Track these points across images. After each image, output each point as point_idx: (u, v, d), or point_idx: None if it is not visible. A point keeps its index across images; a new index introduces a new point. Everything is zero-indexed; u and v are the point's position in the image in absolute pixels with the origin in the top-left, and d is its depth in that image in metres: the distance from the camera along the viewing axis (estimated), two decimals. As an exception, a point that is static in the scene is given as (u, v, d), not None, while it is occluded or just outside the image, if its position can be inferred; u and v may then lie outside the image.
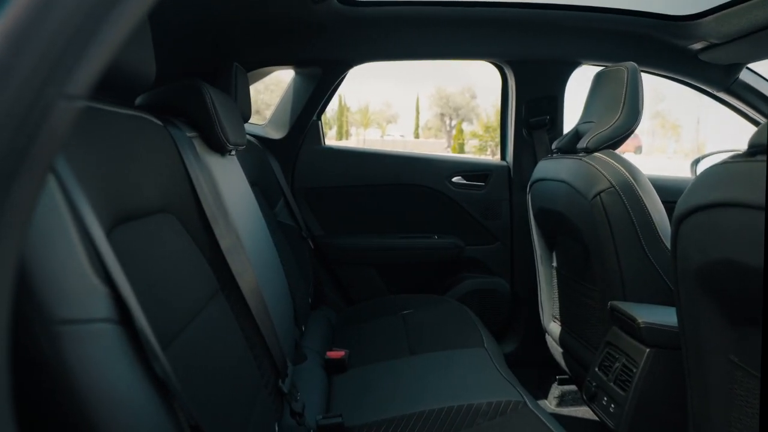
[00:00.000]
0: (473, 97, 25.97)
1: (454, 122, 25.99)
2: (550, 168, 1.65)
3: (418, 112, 27.60)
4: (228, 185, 1.11)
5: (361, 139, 26.31)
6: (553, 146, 1.74)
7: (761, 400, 0.73)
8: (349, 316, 1.90)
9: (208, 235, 0.91)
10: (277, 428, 0.96)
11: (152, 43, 0.80)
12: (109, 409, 0.45)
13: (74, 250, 0.47)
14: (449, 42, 1.95)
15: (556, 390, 1.96)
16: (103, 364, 0.46)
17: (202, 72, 1.42)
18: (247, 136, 1.77)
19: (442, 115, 26.82)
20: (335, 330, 1.80)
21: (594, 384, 1.35)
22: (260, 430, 0.86)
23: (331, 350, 1.46)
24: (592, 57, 1.99)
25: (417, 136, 27.43)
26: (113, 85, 0.74)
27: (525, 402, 1.09)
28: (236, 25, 1.62)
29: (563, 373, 1.81)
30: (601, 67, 1.63)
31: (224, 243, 0.93)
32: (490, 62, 2.06)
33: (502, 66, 2.04)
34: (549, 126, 2.03)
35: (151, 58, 0.77)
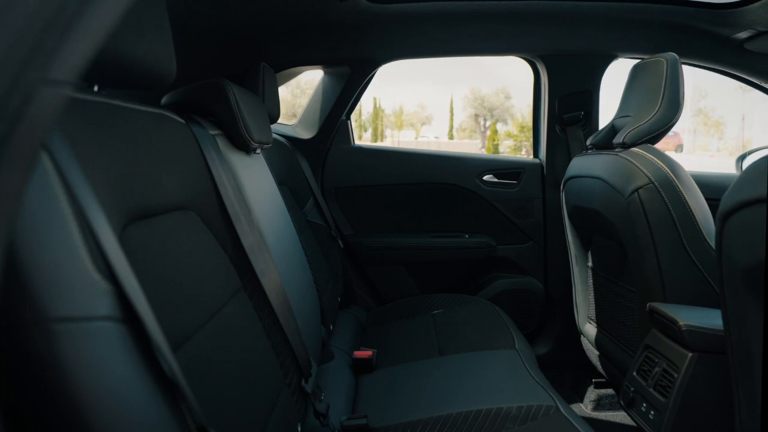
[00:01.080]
0: (508, 97, 25.72)
1: (488, 123, 25.75)
2: (584, 164, 1.59)
3: (452, 114, 27.50)
4: (252, 183, 1.11)
5: (395, 140, 26.39)
6: (588, 142, 1.68)
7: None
8: (378, 316, 1.88)
9: (230, 233, 0.91)
10: (300, 429, 0.95)
11: (181, 45, 0.80)
12: (108, 409, 0.44)
13: (73, 245, 0.46)
14: (479, 38, 1.91)
15: (592, 394, 1.89)
16: (103, 363, 0.45)
17: (230, 73, 1.44)
18: (277, 137, 1.78)
19: (477, 116, 26.64)
20: (364, 329, 1.78)
21: (632, 389, 1.29)
22: (282, 430, 0.85)
23: (358, 350, 1.44)
24: (628, 49, 1.91)
25: (451, 137, 27.34)
26: (134, 83, 0.74)
27: (557, 406, 1.05)
28: (264, 26, 1.62)
29: (600, 376, 1.75)
30: (639, 60, 1.57)
31: (247, 241, 0.93)
32: (522, 58, 2.01)
33: (534, 61, 1.99)
34: (583, 122, 1.97)
35: (172, 55, 0.77)
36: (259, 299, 0.94)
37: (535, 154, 2.13)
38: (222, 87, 1.07)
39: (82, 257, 0.46)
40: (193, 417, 0.53)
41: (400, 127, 28.01)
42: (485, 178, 2.08)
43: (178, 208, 0.77)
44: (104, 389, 0.44)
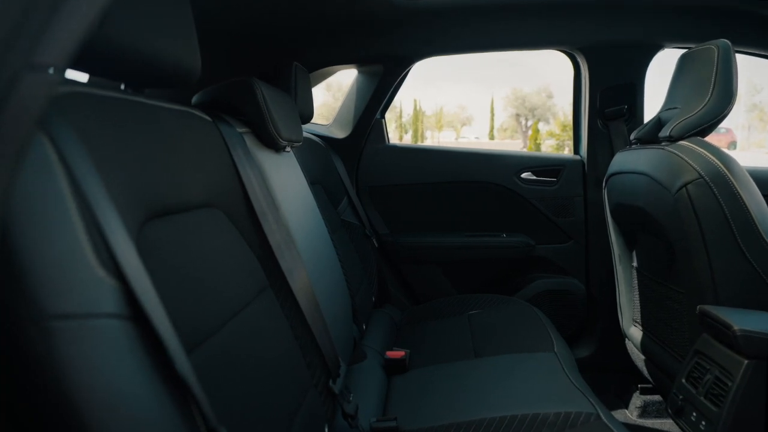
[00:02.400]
0: (550, 96, 25.21)
1: (530, 122, 25.29)
2: (628, 160, 1.52)
3: (492, 114, 27.17)
4: (281, 182, 1.11)
5: (435, 141, 26.32)
6: (632, 136, 1.60)
7: None
8: (413, 315, 1.85)
9: (257, 231, 0.91)
10: (327, 430, 0.93)
11: (214, 46, 0.80)
12: (110, 410, 0.42)
13: (76, 240, 0.44)
14: (516, 31, 1.85)
15: (638, 400, 1.81)
16: (106, 362, 0.43)
17: (263, 73, 1.45)
18: (311, 136, 1.78)
19: (518, 115, 26.24)
20: (399, 329, 1.76)
21: (681, 397, 1.21)
22: (307, 430, 0.83)
23: (391, 350, 1.42)
24: (675, 38, 1.81)
25: (492, 137, 27.03)
26: (159, 81, 0.75)
27: (598, 414, 1.00)
28: (296, 25, 1.63)
29: (646, 381, 1.66)
30: (686, 49, 1.48)
31: (274, 239, 0.92)
32: (561, 51, 1.94)
33: (574, 54, 1.92)
34: (627, 116, 1.88)
35: (196, 53, 0.77)
36: (286, 298, 0.93)
37: (576, 150, 2.05)
38: (250, 85, 1.07)
39: (86, 252, 0.45)
40: (204, 419, 0.51)
41: (439, 128, 27.87)
42: (523, 175, 2.02)
43: (203, 205, 0.76)
44: (106, 389, 0.43)
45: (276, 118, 1.11)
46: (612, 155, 1.77)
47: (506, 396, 1.12)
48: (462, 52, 1.93)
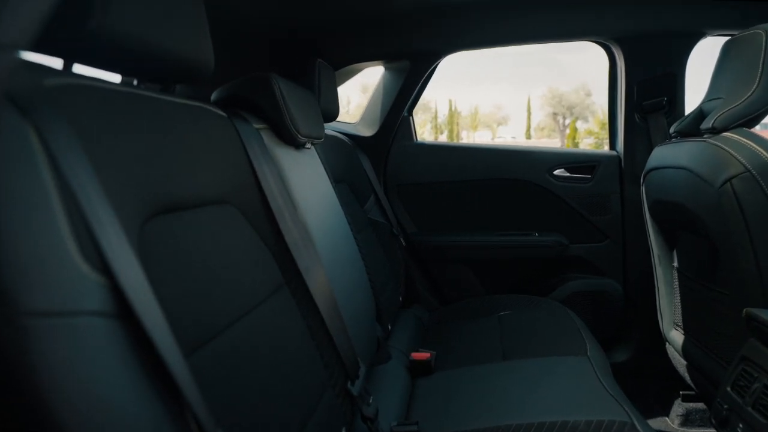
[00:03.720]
0: (588, 94, 24.66)
1: (567, 121, 24.77)
2: (667, 154, 1.44)
3: (529, 113, 26.81)
4: (300, 178, 1.09)
5: (471, 141, 26.09)
6: (672, 129, 1.52)
7: None
8: (441, 316, 1.81)
9: (272, 228, 0.89)
10: None
11: (238, 44, 0.79)
12: (88, 415, 0.40)
13: (57, 232, 0.42)
14: (546, 22, 1.78)
15: (679, 407, 1.71)
16: (87, 363, 0.40)
17: (289, 72, 1.44)
18: (337, 134, 1.77)
19: (555, 114, 25.78)
20: (426, 330, 1.72)
21: (725, 406, 1.13)
22: None
23: (417, 351, 1.38)
24: (719, 25, 1.71)
25: (528, 136, 26.67)
26: (171, 76, 0.74)
27: (632, 423, 0.94)
28: (320, 22, 1.61)
29: (688, 388, 1.57)
30: (730, 36, 1.39)
31: (290, 236, 0.91)
32: (594, 42, 1.86)
33: (609, 45, 1.83)
34: (667, 108, 1.78)
35: (209, 48, 0.76)
36: (302, 296, 0.92)
37: (612, 146, 1.96)
38: (267, 80, 1.06)
39: (68, 246, 0.42)
40: (198, 424, 0.48)
41: (474, 127, 27.62)
42: (556, 172, 1.95)
43: (216, 202, 0.75)
44: (86, 392, 0.40)
45: (294, 114, 1.09)
46: (650, 150, 1.69)
47: (534, 401, 1.07)
48: (490, 45, 1.87)
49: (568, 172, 1.96)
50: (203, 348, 0.59)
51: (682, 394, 1.70)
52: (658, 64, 1.77)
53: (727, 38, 1.38)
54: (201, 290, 0.63)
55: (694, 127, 1.38)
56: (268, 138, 1.03)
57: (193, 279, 0.62)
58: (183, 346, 0.52)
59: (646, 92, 1.79)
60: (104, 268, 0.44)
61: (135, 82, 0.72)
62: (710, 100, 1.37)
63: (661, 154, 1.48)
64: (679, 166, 1.33)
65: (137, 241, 0.53)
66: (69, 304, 0.40)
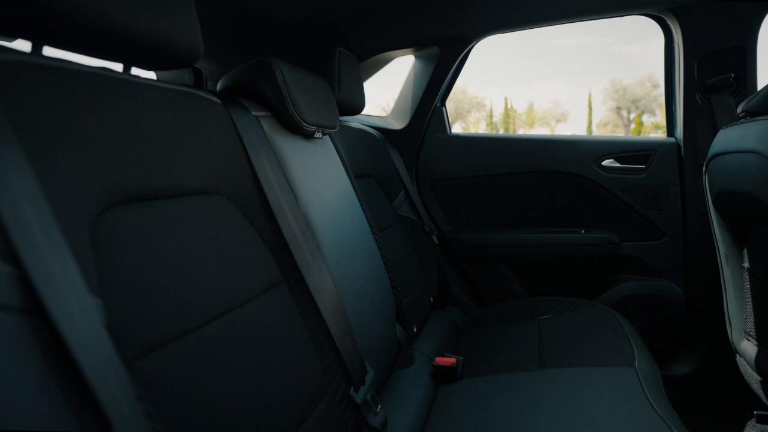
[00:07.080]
0: (655, 86, 23.41)
1: (632, 115, 23.63)
2: (733, 136, 1.25)
3: (590, 108, 25.80)
4: (305, 170, 1.02)
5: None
6: (740, 108, 1.33)
7: None
8: (477, 319, 1.69)
9: (270, 221, 0.83)
10: None
11: (261, 36, 0.75)
12: None
13: None
14: None
15: (753, 428, 1.50)
16: None
17: (312, 63, 1.36)
18: (364, 128, 1.68)
19: (619, 108, 24.68)
20: (460, 333, 1.60)
21: (806, 430, 0.95)
22: None
23: (442, 356, 1.27)
24: None
25: (590, 133, 25.64)
26: (157, 61, 0.70)
27: None
28: (344, 11, 1.53)
29: (763, 407, 1.37)
30: None
31: (289, 230, 0.84)
32: (646, 15, 1.66)
33: (663, 17, 1.64)
34: (734, 86, 1.57)
35: (197, 32, 0.72)
36: (302, 295, 0.84)
37: (670, 132, 1.77)
38: (267, 65, 0.99)
39: None
40: None
41: (530, 125, 26.87)
42: (604, 163, 1.77)
43: (202, 191, 0.71)
44: None
45: (299, 100, 1.01)
46: (715, 135, 1.49)
47: (568, 416, 0.94)
48: (526, 26, 1.72)
49: (619, 162, 1.78)
50: (166, 347, 0.54)
51: (757, 414, 1.49)
52: (724, 37, 1.56)
53: None
54: (170, 284, 0.58)
55: (766, 105, 1.19)
56: (269, 126, 0.97)
57: (161, 272, 0.57)
58: (135, 345, 0.49)
59: (710, 69, 1.59)
60: (15, 259, 0.40)
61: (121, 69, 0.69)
62: None
63: (726, 137, 1.29)
64: (747, 150, 1.15)
65: (90, 231, 0.50)
66: None
